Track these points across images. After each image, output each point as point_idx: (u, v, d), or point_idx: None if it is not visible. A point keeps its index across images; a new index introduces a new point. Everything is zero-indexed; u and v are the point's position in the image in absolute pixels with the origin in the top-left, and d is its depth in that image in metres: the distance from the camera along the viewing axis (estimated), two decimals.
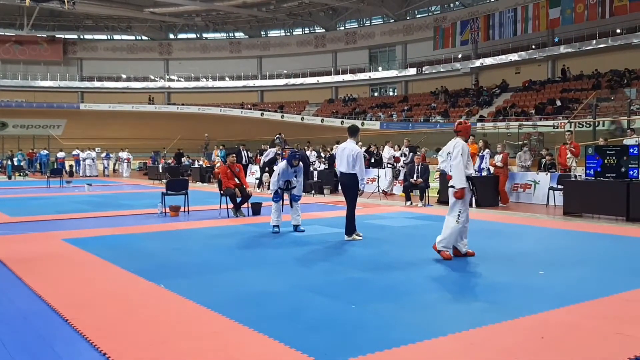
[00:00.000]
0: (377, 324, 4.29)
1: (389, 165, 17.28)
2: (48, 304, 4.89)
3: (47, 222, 10.67)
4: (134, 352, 3.78)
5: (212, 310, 4.61)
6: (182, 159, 28.26)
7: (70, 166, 30.80)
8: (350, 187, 8.31)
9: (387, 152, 17.78)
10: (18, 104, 51.08)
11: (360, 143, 19.87)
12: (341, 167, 8.38)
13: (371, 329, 4.18)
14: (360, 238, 8.26)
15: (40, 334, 4.17)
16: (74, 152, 31.49)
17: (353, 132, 8.54)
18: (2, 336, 4.08)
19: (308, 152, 19.17)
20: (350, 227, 8.27)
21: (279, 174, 9.34)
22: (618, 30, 32.54)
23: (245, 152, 20.19)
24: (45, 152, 33.62)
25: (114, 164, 33.25)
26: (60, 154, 31.55)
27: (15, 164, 30.95)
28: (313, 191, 16.96)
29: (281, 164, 9.61)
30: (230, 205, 11.45)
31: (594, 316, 4.49)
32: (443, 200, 14.02)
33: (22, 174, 29.91)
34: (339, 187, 17.75)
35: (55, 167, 27.46)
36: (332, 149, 20.39)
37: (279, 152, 19.19)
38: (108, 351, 3.72)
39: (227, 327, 4.23)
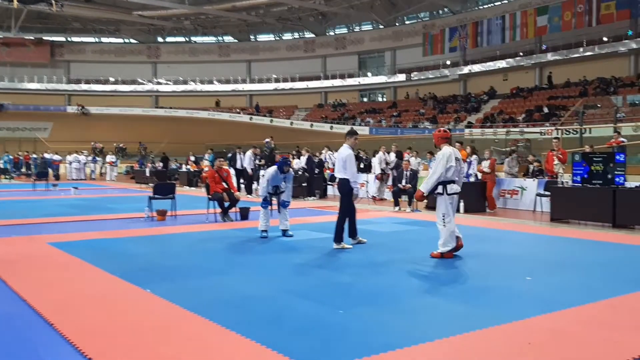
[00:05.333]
0: (363, 329, 4.27)
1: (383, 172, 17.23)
2: (32, 307, 4.83)
3: (33, 225, 10.56)
4: (118, 355, 3.74)
5: (197, 315, 4.58)
6: (169, 163, 28.07)
7: (57, 169, 30.52)
8: (342, 192, 8.16)
9: (378, 158, 17.77)
10: (4, 106, 50.64)
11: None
12: (336, 171, 8.31)
13: (357, 333, 4.16)
14: (350, 247, 8.03)
15: (24, 337, 4.12)
16: (53, 157, 31.10)
17: (347, 134, 8.41)
18: None
19: (305, 157, 18.82)
20: (339, 233, 8.02)
21: (268, 180, 9.30)
22: (605, 39, 32.90)
23: (240, 155, 19.50)
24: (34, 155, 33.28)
25: (101, 168, 33.02)
26: (56, 157, 31.16)
27: (1, 166, 30.65)
28: (301, 196, 16.92)
29: (270, 169, 9.56)
30: (218, 210, 11.40)
31: (581, 322, 4.50)
32: (431, 206, 14.06)
33: (7, 176, 29.62)
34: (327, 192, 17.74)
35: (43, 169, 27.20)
36: (319, 154, 20.36)
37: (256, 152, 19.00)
38: (92, 355, 3.68)
39: (212, 331, 4.20)
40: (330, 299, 5.19)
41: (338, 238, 8.02)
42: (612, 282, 5.96)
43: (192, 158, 27.08)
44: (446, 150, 7.33)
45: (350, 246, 8.05)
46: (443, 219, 7.24)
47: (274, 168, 9.46)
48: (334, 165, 19.51)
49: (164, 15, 48.47)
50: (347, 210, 8.17)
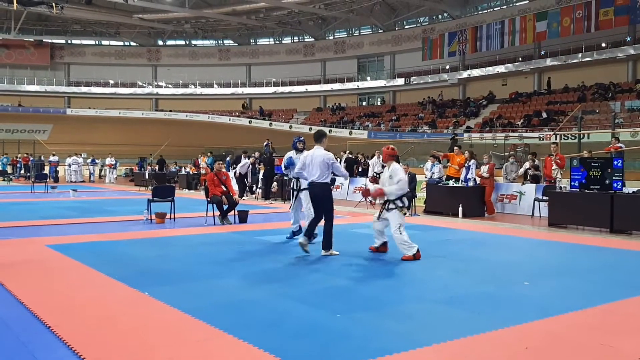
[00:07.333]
0: (361, 334, 4.28)
1: (377, 175, 17.28)
2: (30, 310, 4.83)
3: (31, 227, 10.55)
4: (115, 358, 3.74)
5: (195, 318, 4.58)
6: (165, 167, 28.00)
7: (56, 171, 30.50)
8: (323, 197, 7.83)
9: (372, 163, 17.79)
10: (4, 108, 50.60)
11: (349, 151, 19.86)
12: (312, 176, 7.82)
13: (354, 338, 4.17)
14: (337, 254, 7.76)
15: (22, 340, 4.11)
16: (52, 159, 31.09)
17: (319, 137, 8.00)
18: None
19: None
20: (328, 241, 7.78)
21: (286, 159, 9.09)
22: (603, 44, 32.97)
23: (246, 159, 19.56)
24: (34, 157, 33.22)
25: (100, 170, 33.00)
26: (53, 158, 31.13)
27: (0, 168, 30.61)
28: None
29: (288, 154, 9.43)
30: (217, 213, 11.41)
31: (578, 327, 4.52)
32: (430, 210, 14.09)
33: (6, 178, 29.60)
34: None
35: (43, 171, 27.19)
36: None
37: (253, 161, 19.07)
38: (90, 358, 3.68)
39: (210, 335, 4.20)
40: (328, 303, 5.19)
41: (327, 245, 7.78)
42: (609, 287, 5.97)
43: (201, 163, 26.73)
44: (399, 165, 7.95)
45: (338, 252, 7.76)
46: (399, 229, 7.54)
47: (291, 152, 9.36)
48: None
49: (165, 19, 48.50)
50: (332, 215, 7.92)
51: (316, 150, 7.91)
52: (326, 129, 41.71)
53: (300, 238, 7.86)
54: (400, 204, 7.63)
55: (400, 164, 14.73)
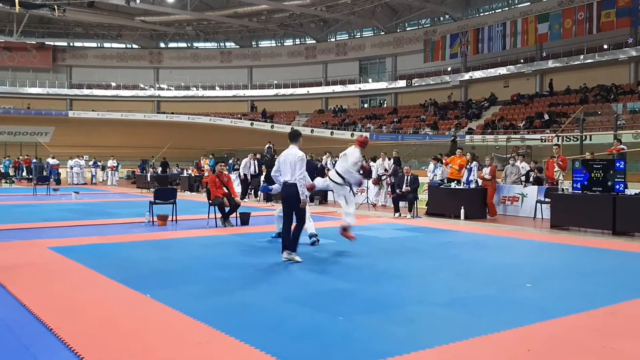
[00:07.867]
0: (363, 336, 4.27)
1: (380, 177, 17.26)
2: (32, 312, 4.83)
3: (33, 229, 10.56)
4: None
5: (197, 320, 4.58)
6: (168, 169, 27.99)
7: (58, 174, 30.51)
8: (297, 198, 7.38)
9: (376, 165, 17.77)
10: (6, 110, 50.66)
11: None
12: (285, 176, 7.52)
13: (356, 340, 4.17)
14: (300, 260, 7.33)
15: (24, 342, 4.12)
16: (52, 162, 31.08)
17: (294, 137, 7.70)
18: None
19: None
20: (294, 244, 7.45)
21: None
22: (605, 46, 32.95)
23: (254, 161, 19.59)
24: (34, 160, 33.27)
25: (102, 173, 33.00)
26: (53, 161, 31.13)
27: (2, 170, 30.66)
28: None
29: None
30: (219, 215, 11.41)
31: (580, 329, 4.51)
32: (432, 212, 14.08)
33: (8, 181, 29.64)
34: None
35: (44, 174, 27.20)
36: (321, 159, 20.38)
37: (252, 157, 19.11)
38: None
39: (212, 337, 4.20)
40: (330, 305, 5.19)
41: (292, 247, 7.43)
42: (611, 289, 5.96)
43: (204, 165, 26.61)
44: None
45: (301, 260, 7.33)
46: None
47: None
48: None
49: (166, 21, 48.57)
50: (305, 217, 7.69)
51: (290, 150, 7.56)
52: (328, 131, 42.12)
53: (284, 254, 7.39)
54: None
55: (402, 165, 14.89)
